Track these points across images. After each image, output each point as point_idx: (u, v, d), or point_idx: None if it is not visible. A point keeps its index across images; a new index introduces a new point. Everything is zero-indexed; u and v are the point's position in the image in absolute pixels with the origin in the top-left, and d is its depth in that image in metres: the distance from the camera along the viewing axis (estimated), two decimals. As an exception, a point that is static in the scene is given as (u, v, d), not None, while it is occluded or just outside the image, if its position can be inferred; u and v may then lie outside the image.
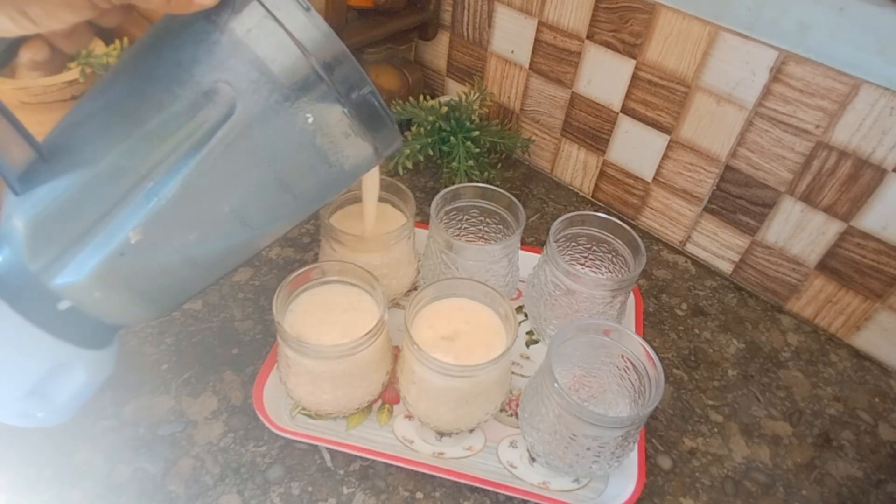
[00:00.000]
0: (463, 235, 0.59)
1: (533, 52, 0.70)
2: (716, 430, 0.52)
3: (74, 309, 0.34)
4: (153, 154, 0.32)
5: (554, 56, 0.68)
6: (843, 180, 0.53)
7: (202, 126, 0.32)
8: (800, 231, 0.58)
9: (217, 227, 0.35)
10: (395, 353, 0.51)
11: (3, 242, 0.34)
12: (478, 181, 0.68)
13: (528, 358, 0.55)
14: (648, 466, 0.49)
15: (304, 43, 0.31)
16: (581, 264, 0.57)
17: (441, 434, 0.49)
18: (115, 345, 0.39)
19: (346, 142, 0.34)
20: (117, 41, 0.54)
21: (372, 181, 0.49)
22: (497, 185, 0.56)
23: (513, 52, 0.72)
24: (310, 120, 0.33)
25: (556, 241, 0.52)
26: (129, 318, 0.37)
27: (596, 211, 0.54)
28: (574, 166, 0.74)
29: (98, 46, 0.63)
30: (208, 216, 0.34)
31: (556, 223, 0.52)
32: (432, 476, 0.46)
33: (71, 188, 0.32)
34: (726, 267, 0.66)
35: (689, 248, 0.68)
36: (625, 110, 0.65)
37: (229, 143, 0.32)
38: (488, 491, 0.46)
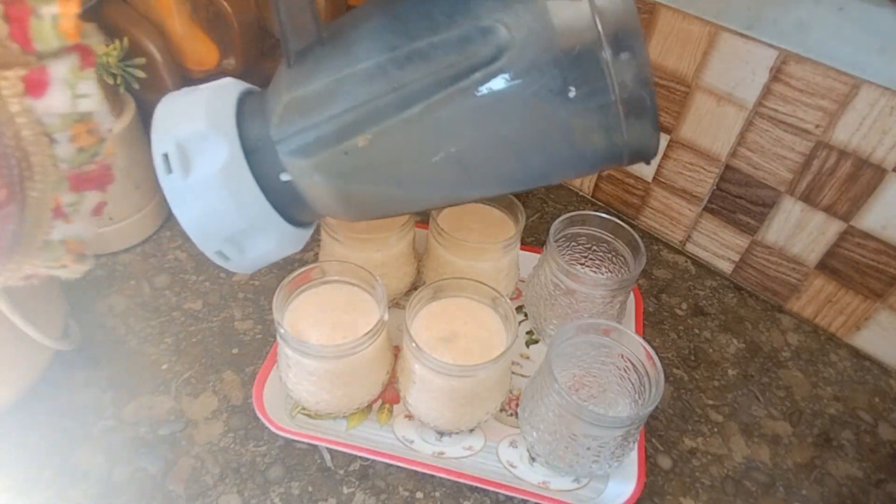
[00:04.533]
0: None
1: (533, 52, 0.70)
2: (716, 429, 0.52)
3: (292, 184, 0.36)
4: (410, 71, 0.32)
5: (554, 56, 0.68)
6: (843, 180, 0.53)
7: (465, 61, 0.31)
8: (800, 231, 0.58)
9: (437, 162, 0.34)
10: (395, 353, 0.51)
11: (265, 104, 0.36)
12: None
13: (528, 358, 0.55)
14: (648, 466, 0.49)
15: (602, 12, 0.28)
16: (581, 264, 0.57)
17: (441, 434, 0.49)
18: (310, 230, 0.42)
19: (599, 133, 0.31)
20: (117, 41, 0.54)
21: None
22: (497, 185, 0.56)
23: (513, 51, 0.72)
24: (571, 94, 0.30)
25: (556, 241, 0.52)
26: (328, 211, 0.39)
27: (596, 211, 0.54)
28: (574, 166, 0.74)
29: (98, 46, 0.63)
30: (434, 148, 0.34)
31: (556, 223, 0.52)
32: (432, 476, 0.46)
33: (330, 76, 0.34)
34: (726, 267, 0.66)
35: (689, 247, 0.68)
36: (625, 110, 0.65)
37: (482, 88, 0.31)
38: (488, 491, 0.46)
